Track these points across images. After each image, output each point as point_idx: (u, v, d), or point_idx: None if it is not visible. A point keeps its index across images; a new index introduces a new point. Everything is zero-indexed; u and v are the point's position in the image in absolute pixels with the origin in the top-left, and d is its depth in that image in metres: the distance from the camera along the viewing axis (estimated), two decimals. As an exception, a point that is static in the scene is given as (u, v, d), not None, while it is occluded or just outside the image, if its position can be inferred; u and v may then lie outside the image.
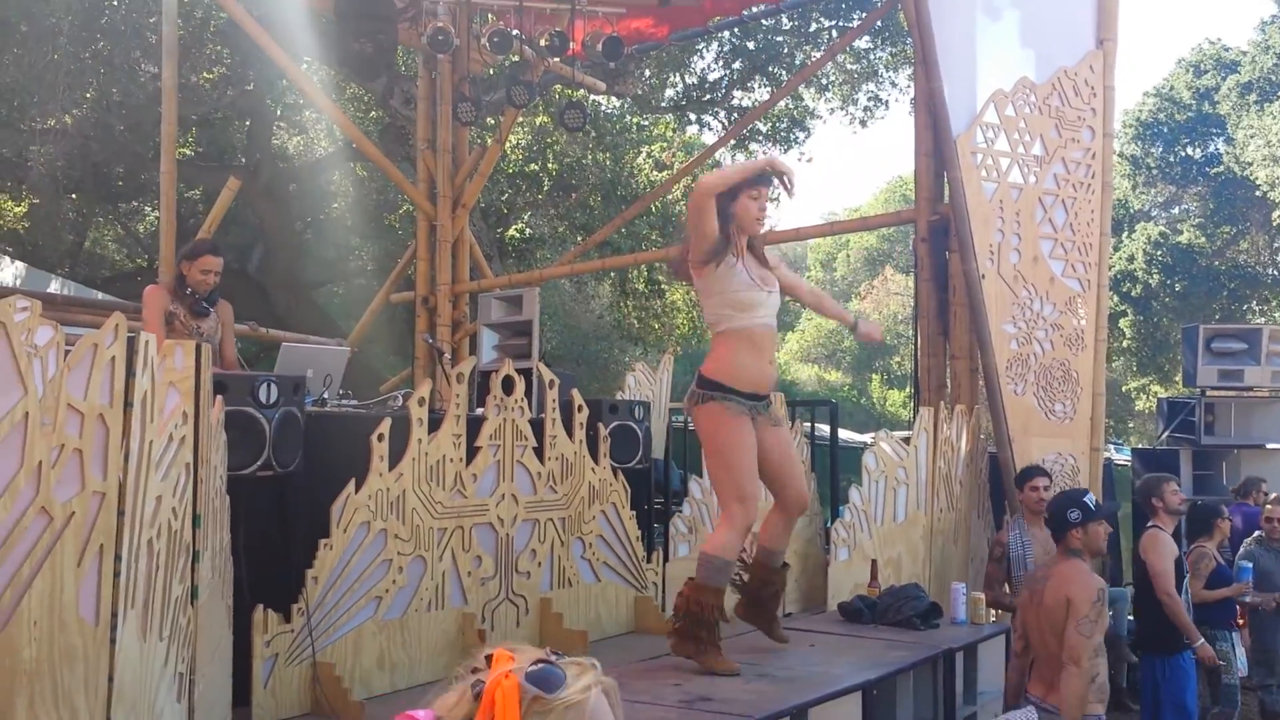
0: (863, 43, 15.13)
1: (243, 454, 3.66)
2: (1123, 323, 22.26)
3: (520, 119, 12.42)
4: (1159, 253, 22.23)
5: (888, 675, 4.07)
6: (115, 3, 11.42)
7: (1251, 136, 20.44)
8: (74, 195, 14.22)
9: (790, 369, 32.21)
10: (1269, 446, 8.58)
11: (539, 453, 4.64)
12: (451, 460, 4.20)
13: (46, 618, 2.36)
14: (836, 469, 7.19)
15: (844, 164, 73.88)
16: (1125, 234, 22.50)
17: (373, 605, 3.93)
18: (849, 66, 15.90)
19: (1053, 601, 4.10)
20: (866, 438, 9.13)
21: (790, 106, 16.10)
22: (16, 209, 14.92)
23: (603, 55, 8.08)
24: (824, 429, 7.36)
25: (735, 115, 15.81)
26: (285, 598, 3.64)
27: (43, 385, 2.39)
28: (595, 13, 8.13)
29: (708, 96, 16.03)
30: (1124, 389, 25.08)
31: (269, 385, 3.80)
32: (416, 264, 9.15)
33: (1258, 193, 20.59)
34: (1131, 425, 26.81)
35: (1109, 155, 7.24)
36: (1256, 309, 22.98)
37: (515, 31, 7.99)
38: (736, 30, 13.73)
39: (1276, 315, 22.55)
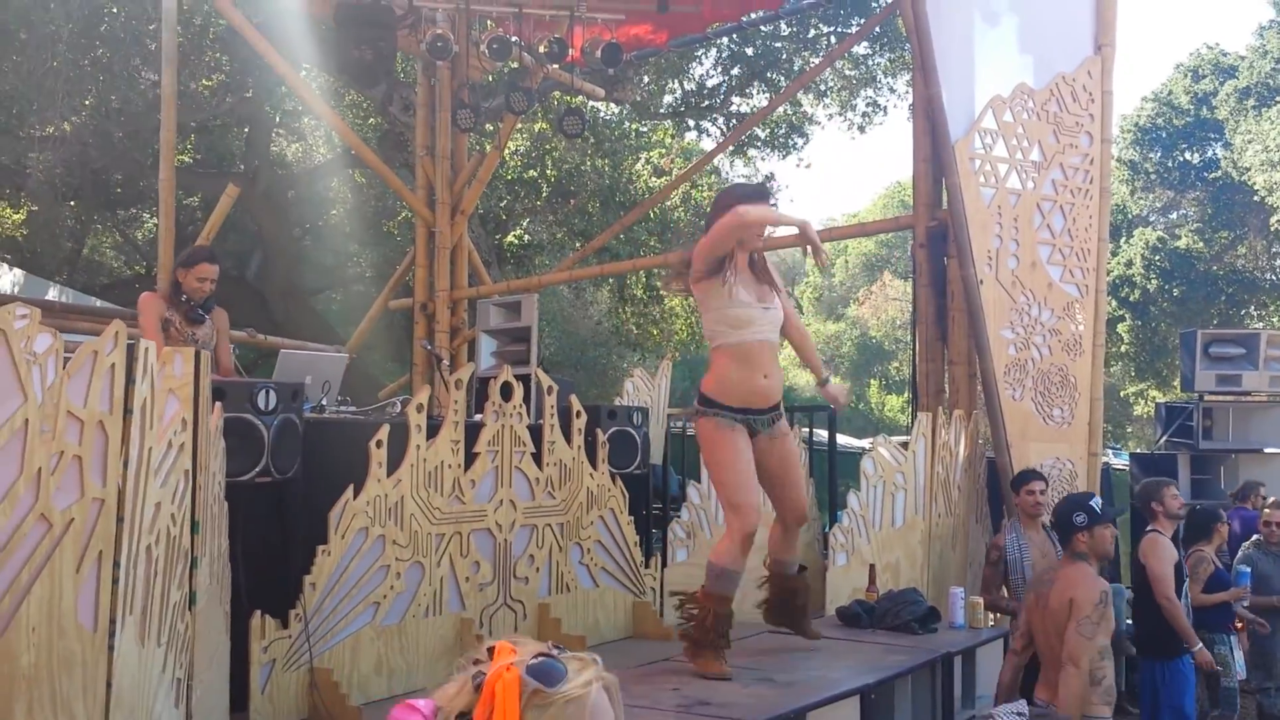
0: (861, 48, 15.17)
1: (241, 460, 3.67)
2: (1121, 328, 22.28)
3: (519, 125, 12.44)
4: (1157, 258, 22.27)
5: (886, 679, 4.09)
6: (115, 10, 11.44)
7: (1249, 141, 20.48)
8: (73, 202, 14.23)
9: (789, 374, 32.19)
10: (1267, 451, 8.59)
11: (537, 458, 4.64)
12: (450, 466, 4.21)
13: (45, 624, 2.36)
14: (835, 474, 7.20)
15: (842, 170, 73.89)
16: (1123, 239, 22.54)
17: (370, 611, 3.93)
18: (848, 72, 15.94)
19: (1057, 604, 4.11)
20: (865, 443, 9.12)
21: (789, 112, 16.14)
22: (15, 216, 14.93)
23: (602, 62, 8.09)
24: (822, 434, 7.37)
25: (734, 121, 15.85)
26: (283, 603, 3.64)
27: (42, 392, 2.39)
28: (594, 19, 8.14)
29: (706, 103, 16.06)
30: (1122, 394, 25.10)
31: (267, 392, 3.80)
32: (415, 270, 9.15)
33: (1255, 198, 20.63)
34: (1130, 430, 26.82)
35: (1107, 160, 7.25)
36: (1254, 314, 23.02)
37: (514, 38, 8.01)
38: (735, 36, 13.76)
39: (1274, 320, 22.58)
